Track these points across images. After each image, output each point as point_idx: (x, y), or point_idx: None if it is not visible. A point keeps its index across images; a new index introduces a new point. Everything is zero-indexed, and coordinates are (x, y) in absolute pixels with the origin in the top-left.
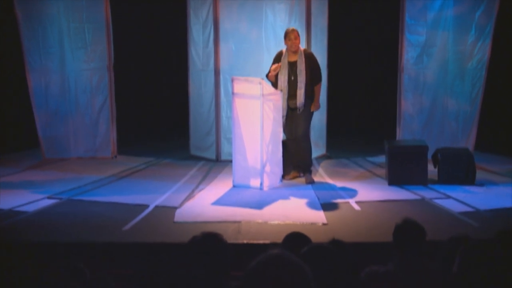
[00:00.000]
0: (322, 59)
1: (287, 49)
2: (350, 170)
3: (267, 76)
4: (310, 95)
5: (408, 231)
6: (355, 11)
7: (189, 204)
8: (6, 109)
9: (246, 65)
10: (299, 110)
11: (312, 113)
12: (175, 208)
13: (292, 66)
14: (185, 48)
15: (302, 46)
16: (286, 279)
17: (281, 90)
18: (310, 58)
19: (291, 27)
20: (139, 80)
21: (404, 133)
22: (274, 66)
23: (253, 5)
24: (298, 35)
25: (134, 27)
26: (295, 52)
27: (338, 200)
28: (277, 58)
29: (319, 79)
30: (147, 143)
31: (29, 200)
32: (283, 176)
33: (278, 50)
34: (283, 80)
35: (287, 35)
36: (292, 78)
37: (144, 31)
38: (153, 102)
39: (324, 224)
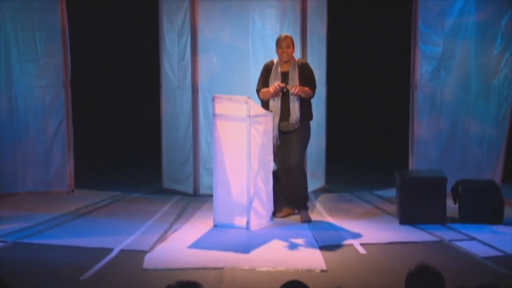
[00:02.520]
0: (320, 73)
1: (278, 59)
2: (354, 206)
3: (258, 91)
4: (306, 113)
5: (423, 279)
6: (359, 17)
7: (162, 248)
8: None
9: (230, 81)
10: (294, 126)
11: (308, 138)
12: (145, 252)
13: (284, 77)
14: (157, 60)
15: (297, 57)
16: None
17: (271, 110)
18: (303, 67)
19: (283, 34)
20: (101, 99)
21: (418, 162)
22: (276, 87)
23: (238, 10)
24: (292, 43)
25: (95, 35)
26: (287, 62)
27: (340, 242)
28: (266, 70)
29: (312, 88)
30: (111, 174)
31: None
32: (274, 214)
33: (269, 59)
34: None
35: (278, 42)
36: (284, 90)
37: (107, 41)
38: (118, 126)
39: (323, 270)
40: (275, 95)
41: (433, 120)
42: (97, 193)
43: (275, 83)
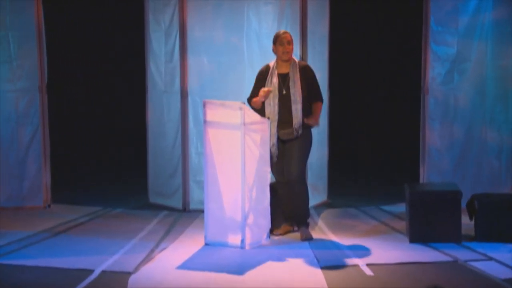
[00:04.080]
0: (322, 76)
1: (276, 60)
2: (360, 223)
3: (249, 101)
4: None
5: None
6: (364, 15)
7: (147, 269)
8: None
9: (223, 84)
10: (297, 132)
11: (309, 147)
12: (129, 273)
13: (284, 79)
14: (143, 62)
15: (296, 58)
16: None
17: (268, 117)
18: (306, 71)
19: (282, 30)
20: (81, 105)
21: (430, 174)
22: (264, 91)
23: (232, 7)
24: (292, 39)
25: (74, 35)
26: (287, 61)
27: (344, 262)
28: (261, 77)
29: (319, 97)
30: (91, 187)
31: None
32: (271, 231)
33: (264, 64)
34: (272, 96)
35: (277, 38)
36: (284, 92)
37: (87, 41)
38: (99, 134)
39: None
40: (264, 98)
41: (446, 128)
42: (76, 209)
43: (263, 88)
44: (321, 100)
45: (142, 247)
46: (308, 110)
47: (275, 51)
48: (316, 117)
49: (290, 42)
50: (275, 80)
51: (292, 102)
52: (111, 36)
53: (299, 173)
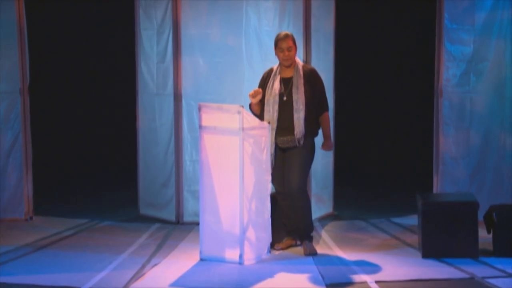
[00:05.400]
0: (327, 78)
1: (279, 64)
2: (368, 237)
3: (250, 107)
4: (311, 128)
5: None
6: (373, 11)
7: (137, 286)
8: None
9: (220, 86)
10: (299, 142)
11: (312, 157)
12: None
13: (286, 83)
14: (133, 63)
15: (300, 57)
16: None
17: (269, 122)
18: (311, 75)
19: (283, 32)
20: (65, 109)
21: (445, 183)
22: (251, 94)
23: (229, 2)
24: (294, 43)
25: (58, 33)
26: (290, 66)
27: (351, 279)
28: (264, 81)
29: (325, 106)
30: (76, 198)
31: None
32: (272, 245)
33: (264, 64)
34: (272, 102)
35: (277, 43)
36: (285, 98)
37: (73, 40)
38: (86, 140)
39: None
40: (256, 101)
41: (461, 134)
42: (60, 221)
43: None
44: (327, 109)
45: (132, 263)
46: (311, 118)
47: (276, 55)
48: (329, 139)
49: (290, 48)
50: (276, 85)
51: (294, 110)
52: (99, 34)
53: (300, 185)
